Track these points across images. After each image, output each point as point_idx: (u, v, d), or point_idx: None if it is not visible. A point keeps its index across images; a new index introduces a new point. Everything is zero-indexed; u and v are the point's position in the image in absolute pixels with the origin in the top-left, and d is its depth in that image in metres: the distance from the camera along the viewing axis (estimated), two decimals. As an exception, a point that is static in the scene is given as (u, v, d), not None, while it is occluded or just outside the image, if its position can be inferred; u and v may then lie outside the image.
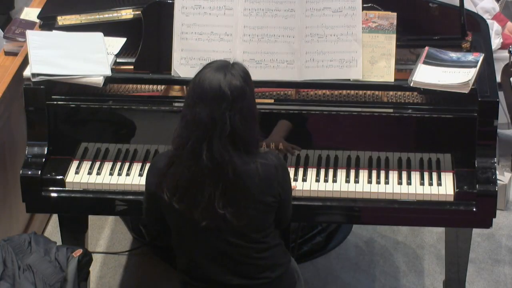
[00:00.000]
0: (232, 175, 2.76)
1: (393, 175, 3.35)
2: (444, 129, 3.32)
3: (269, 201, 2.86)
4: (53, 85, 3.37)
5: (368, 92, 3.47)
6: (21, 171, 3.33)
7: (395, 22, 3.40)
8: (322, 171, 3.36)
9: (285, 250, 3.03)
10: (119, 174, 3.36)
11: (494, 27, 4.71)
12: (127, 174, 3.36)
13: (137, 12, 3.59)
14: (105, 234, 4.36)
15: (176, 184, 2.81)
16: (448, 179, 3.32)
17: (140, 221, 4.27)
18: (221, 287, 2.93)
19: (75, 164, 3.40)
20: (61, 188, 3.35)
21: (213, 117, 2.73)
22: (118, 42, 3.54)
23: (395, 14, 3.40)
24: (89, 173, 3.37)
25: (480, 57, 3.41)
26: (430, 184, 3.31)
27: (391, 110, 3.35)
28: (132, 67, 3.47)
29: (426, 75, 3.35)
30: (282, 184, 2.89)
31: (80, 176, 3.36)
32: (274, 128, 3.33)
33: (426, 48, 3.48)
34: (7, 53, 3.94)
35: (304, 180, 3.31)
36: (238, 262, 2.90)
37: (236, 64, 2.82)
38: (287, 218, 3.03)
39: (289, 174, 2.96)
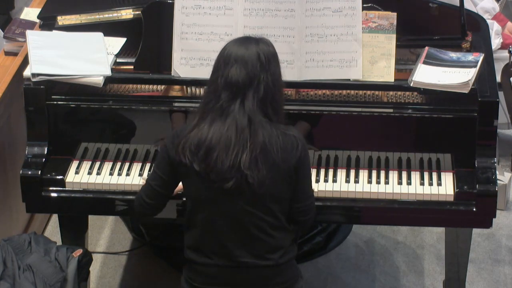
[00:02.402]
0: (261, 137, 2.82)
1: (393, 175, 3.35)
2: (444, 129, 3.32)
3: (286, 171, 2.89)
4: (53, 85, 3.37)
5: (368, 92, 3.47)
6: (21, 171, 3.33)
7: (395, 22, 3.40)
8: (322, 171, 3.36)
9: (294, 243, 3.04)
10: (119, 174, 3.36)
11: (494, 27, 4.71)
12: (127, 174, 3.36)
13: (137, 12, 3.59)
14: (105, 234, 4.36)
15: (198, 143, 2.84)
16: (448, 179, 3.32)
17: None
18: (227, 264, 2.93)
19: (75, 164, 3.40)
20: (61, 188, 3.35)
21: (249, 77, 2.82)
22: (118, 42, 3.54)
23: (395, 14, 3.40)
24: (89, 173, 3.37)
25: (480, 57, 3.41)
26: (430, 184, 3.31)
27: (391, 110, 3.35)
28: (132, 67, 3.47)
29: (426, 75, 3.35)
30: (300, 160, 2.91)
31: (80, 176, 3.36)
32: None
33: (426, 48, 3.48)
34: (7, 53, 3.95)
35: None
36: (251, 235, 2.90)
37: (263, 37, 2.94)
38: (308, 204, 3.00)
39: (308, 154, 2.98)
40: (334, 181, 3.32)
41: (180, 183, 3.00)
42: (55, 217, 4.21)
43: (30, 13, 4.02)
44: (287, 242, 2.98)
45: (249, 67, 2.82)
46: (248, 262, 2.93)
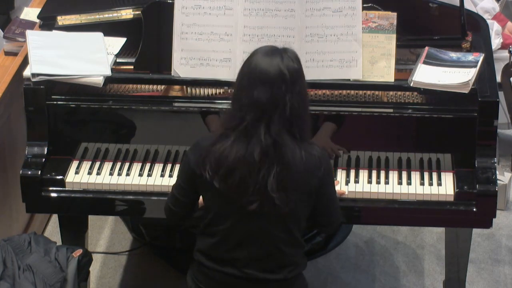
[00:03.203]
0: (288, 158, 2.77)
1: (393, 175, 3.35)
2: (444, 129, 3.32)
3: (309, 192, 2.87)
4: (53, 85, 3.37)
5: (368, 92, 3.47)
6: (21, 171, 3.33)
7: (395, 22, 3.40)
8: (322, 171, 3.36)
9: (304, 256, 3.02)
10: (119, 174, 3.36)
11: (494, 27, 4.71)
12: (127, 174, 3.36)
13: (137, 12, 3.59)
14: (105, 234, 4.36)
15: (219, 160, 2.79)
16: (448, 179, 3.32)
17: (140, 221, 4.28)
18: (236, 274, 2.92)
19: (75, 164, 3.40)
20: (61, 188, 3.35)
21: (274, 99, 2.74)
22: (118, 42, 3.54)
23: (395, 14, 3.40)
24: (89, 173, 3.37)
25: (480, 57, 3.41)
26: (430, 184, 3.31)
27: (391, 110, 3.35)
28: (132, 67, 3.47)
29: (426, 75, 3.35)
30: (323, 180, 2.88)
31: (80, 176, 3.36)
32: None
33: (426, 48, 3.48)
34: (7, 53, 3.95)
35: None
36: (266, 252, 2.89)
37: (287, 48, 2.84)
38: (334, 220, 3.00)
39: (331, 168, 2.95)
40: (334, 181, 3.32)
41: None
42: (55, 217, 4.21)
43: (30, 13, 4.02)
44: (298, 257, 2.97)
45: (274, 89, 2.74)
46: (257, 275, 2.92)
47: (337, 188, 3.18)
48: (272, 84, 2.74)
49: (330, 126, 3.35)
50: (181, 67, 3.40)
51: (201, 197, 2.95)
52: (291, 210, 2.83)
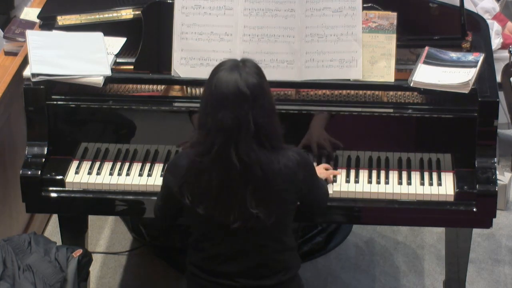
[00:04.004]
0: (260, 174, 2.76)
1: (393, 175, 3.35)
2: (444, 129, 3.32)
3: (292, 199, 2.88)
4: (53, 85, 3.37)
5: (368, 92, 3.47)
6: (21, 171, 3.33)
7: (395, 22, 3.40)
8: (322, 171, 3.36)
9: (297, 254, 3.03)
10: (119, 174, 3.36)
11: (494, 27, 4.71)
12: (127, 174, 3.36)
13: (137, 12, 3.59)
14: (105, 234, 4.36)
15: (198, 189, 2.80)
16: (448, 179, 3.32)
17: (140, 221, 4.28)
18: (231, 284, 2.92)
19: (75, 164, 3.40)
20: (61, 188, 3.35)
21: (237, 120, 2.72)
22: (118, 42, 3.54)
23: (395, 14, 3.40)
24: (89, 173, 3.37)
25: (480, 57, 3.41)
26: (430, 184, 3.30)
27: (391, 110, 3.35)
28: (132, 67, 3.47)
29: (426, 75, 3.35)
30: (305, 181, 2.89)
31: (80, 176, 3.36)
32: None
33: (426, 48, 3.48)
34: (7, 53, 3.94)
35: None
36: (255, 262, 2.90)
37: (246, 61, 2.81)
38: (321, 201, 3.05)
39: (312, 167, 2.95)
40: (334, 181, 3.32)
41: None
42: (55, 217, 4.21)
43: (30, 13, 4.02)
44: (291, 260, 2.97)
45: (237, 110, 2.72)
46: (252, 283, 2.92)
47: (328, 172, 3.25)
48: (234, 106, 2.72)
49: (321, 117, 3.33)
50: (181, 67, 3.40)
51: None
52: (277, 219, 2.84)
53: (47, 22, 3.69)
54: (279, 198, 2.83)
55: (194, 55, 3.39)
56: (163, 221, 3.07)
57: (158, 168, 3.38)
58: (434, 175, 3.34)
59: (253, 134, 2.74)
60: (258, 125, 2.75)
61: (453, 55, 3.44)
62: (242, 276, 2.91)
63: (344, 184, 3.31)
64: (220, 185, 2.77)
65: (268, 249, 2.89)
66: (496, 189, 3.24)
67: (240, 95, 2.72)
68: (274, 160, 2.80)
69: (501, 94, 4.34)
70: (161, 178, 3.32)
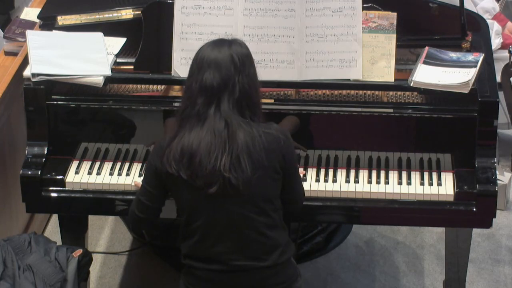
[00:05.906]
0: (240, 139, 2.81)
1: (393, 175, 3.35)
2: (444, 129, 3.32)
3: (273, 169, 2.89)
4: (53, 85, 3.37)
5: (368, 92, 3.47)
6: (21, 171, 3.33)
7: (395, 22, 3.40)
8: (322, 171, 3.36)
9: (290, 239, 3.03)
10: (119, 174, 3.36)
11: (494, 27, 4.71)
12: (127, 174, 3.36)
13: (137, 12, 3.59)
14: (105, 234, 4.36)
15: (181, 151, 2.83)
16: (448, 179, 3.32)
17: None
18: (224, 268, 2.92)
19: (75, 164, 3.40)
20: (61, 188, 3.35)
21: (223, 80, 2.81)
22: (118, 42, 3.54)
23: (395, 14, 3.40)
24: (89, 173, 3.37)
25: (480, 57, 3.41)
26: (430, 184, 3.31)
27: (391, 110, 3.35)
28: (132, 67, 3.47)
29: (426, 75, 3.35)
30: (286, 156, 2.91)
31: (80, 176, 3.36)
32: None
33: (426, 48, 3.48)
34: (7, 53, 3.95)
35: (304, 180, 3.30)
36: (246, 238, 2.90)
37: (236, 38, 2.94)
38: (298, 195, 3.05)
39: (293, 147, 2.98)
40: (334, 181, 3.32)
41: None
42: (55, 217, 4.21)
43: (30, 13, 4.02)
44: (283, 240, 2.97)
45: (223, 71, 2.82)
46: (245, 265, 2.92)
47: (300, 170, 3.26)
48: (220, 67, 2.83)
49: (290, 119, 3.35)
50: (181, 67, 3.40)
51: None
52: (259, 190, 2.86)
53: (47, 22, 3.69)
54: (260, 166, 2.84)
55: (194, 55, 3.39)
56: (141, 223, 3.04)
57: (158, 168, 3.38)
58: (434, 175, 3.34)
59: (236, 98, 2.82)
60: (242, 92, 2.83)
61: (453, 55, 3.45)
62: (235, 258, 2.91)
63: (344, 184, 3.32)
64: (198, 146, 2.81)
65: (257, 223, 2.89)
66: (496, 189, 3.25)
67: (228, 58, 2.84)
68: (256, 129, 2.85)
69: (501, 94, 4.34)
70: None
